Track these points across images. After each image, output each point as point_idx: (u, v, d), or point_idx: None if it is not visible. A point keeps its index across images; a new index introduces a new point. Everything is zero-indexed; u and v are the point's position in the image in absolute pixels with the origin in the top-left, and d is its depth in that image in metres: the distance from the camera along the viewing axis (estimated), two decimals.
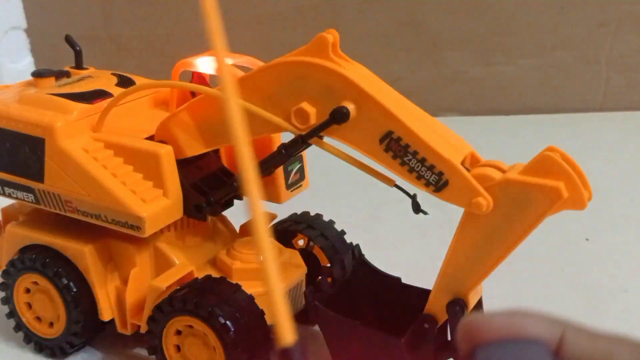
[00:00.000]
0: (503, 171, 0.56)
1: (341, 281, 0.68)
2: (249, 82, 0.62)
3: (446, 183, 0.56)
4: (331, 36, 0.59)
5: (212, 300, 0.63)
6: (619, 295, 0.83)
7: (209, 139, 0.66)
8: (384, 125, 0.57)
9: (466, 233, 0.57)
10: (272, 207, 0.74)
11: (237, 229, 0.77)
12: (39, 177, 0.68)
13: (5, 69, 1.22)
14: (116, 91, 0.71)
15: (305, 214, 0.79)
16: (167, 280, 0.66)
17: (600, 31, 1.37)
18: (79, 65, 0.78)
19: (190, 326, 0.64)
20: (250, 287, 0.66)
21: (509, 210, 0.55)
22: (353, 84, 0.58)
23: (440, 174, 0.56)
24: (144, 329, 0.67)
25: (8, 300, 0.74)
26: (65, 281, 0.69)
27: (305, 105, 0.59)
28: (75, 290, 0.69)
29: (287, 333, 0.23)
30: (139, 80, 0.77)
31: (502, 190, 0.54)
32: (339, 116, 0.57)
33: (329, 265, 0.74)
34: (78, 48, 0.79)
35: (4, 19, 1.19)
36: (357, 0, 1.35)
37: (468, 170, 0.57)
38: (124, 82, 0.75)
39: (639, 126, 1.36)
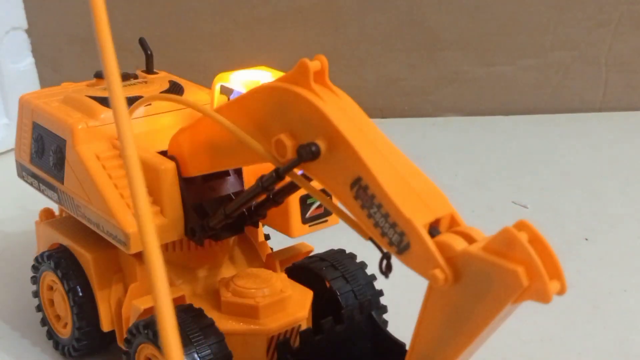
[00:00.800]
0: (473, 241, 0.48)
1: (335, 333, 0.63)
2: (242, 105, 0.57)
3: (407, 246, 0.49)
4: (317, 63, 0.53)
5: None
6: (619, 295, 0.83)
7: (209, 159, 0.62)
8: (354, 170, 0.51)
9: (430, 307, 0.50)
10: (311, 239, 0.71)
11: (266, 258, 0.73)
12: (61, 178, 0.69)
13: (6, 69, 1.22)
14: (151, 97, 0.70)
15: (337, 252, 0.73)
16: (149, 302, 0.63)
17: (600, 31, 1.37)
18: (148, 69, 0.79)
19: (155, 356, 0.61)
20: (234, 324, 0.63)
21: (470, 287, 0.47)
22: (327, 119, 0.51)
23: (402, 234, 0.49)
24: (120, 345, 0.66)
25: (37, 294, 0.75)
26: (71, 285, 0.69)
27: (283, 137, 0.54)
28: (80, 295, 0.69)
29: None
30: (190, 87, 0.75)
31: (463, 264, 0.47)
32: (305, 153, 0.52)
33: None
34: (149, 52, 0.79)
35: (4, 19, 1.19)
36: (357, 0, 1.35)
37: (436, 234, 0.49)
38: (176, 88, 0.74)
39: (639, 126, 1.36)
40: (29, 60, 1.26)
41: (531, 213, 1.03)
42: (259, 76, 0.66)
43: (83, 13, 1.38)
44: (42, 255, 0.72)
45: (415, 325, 0.51)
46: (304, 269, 0.71)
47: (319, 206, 0.68)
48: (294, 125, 0.53)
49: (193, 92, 0.74)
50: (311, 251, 0.74)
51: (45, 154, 0.71)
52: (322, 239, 0.74)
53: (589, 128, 1.35)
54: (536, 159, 1.22)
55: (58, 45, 1.38)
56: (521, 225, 0.48)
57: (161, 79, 0.77)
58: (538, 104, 1.41)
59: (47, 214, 0.78)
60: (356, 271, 0.70)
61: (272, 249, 0.74)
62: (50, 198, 0.72)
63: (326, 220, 0.68)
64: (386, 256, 0.52)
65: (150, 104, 0.69)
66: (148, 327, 0.60)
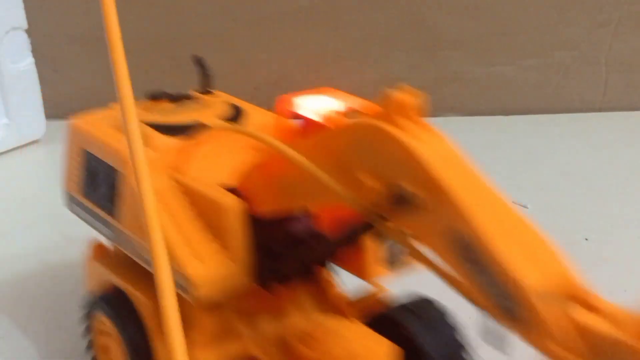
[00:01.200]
0: (598, 313, 0.41)
1: None
2: (322, 142, 0.51)
3: (517, 314, 0.41)
4: (408, 96, 0.47)
5: None
6: (619, 295, 0.83)
7: (281, 198, 0.55)
8: (456, 225, 0.43)
9: None
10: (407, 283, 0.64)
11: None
12: (113, 212, 0.62)
13: (6, 69, 1.22)
14: (214, 125, 0.63)
15: (425, 302, 0.64)
16: (213, 354, 0.58)
17: (600, 31, 1.37)
18: (203, 89, 0.72)
19: None
20: None
21: None
22: (423, 164, 0.44)
23: (511, 300, 0.41)
24: None
25: (86, 333, 0.70)
26: (130, 334, 0.62)
27: (371, 180, 0.47)
28: (139, 346, 0.62)
29: None
30: (252, 111, 0.69)
31: (589, 341, 0.39)
32: (401, 201, 0.45)
33: None
34: (207, 72, 0.72)
35: (4, 19, 1.19)
36: (357, 0, 1.35)
37: (552, 301, 0.42)
38: (237, 113, 0.68)
39: (639, 126, 1.36)
40: (29, 60, 1.26)
41: (531, 213, 1.03)
42: (326, 102, 0.59)
43: (83, 13, 1.38)
44: (95, 297, 0.66)
45: None
46: (388, 321, 0.62)
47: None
48: (385, 168, 0.46)
49: (256, 117, 0.67)
50: (389, 297, 0.66)
51: (98, 186, 0.64)
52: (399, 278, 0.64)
53: (589, 128, 1.35)
54: (536, 159, 1.22)
55: (58, 45, 1.38)
56: None
57: (219, 101, 0.70)
58: (538, 104, 1.41)
59: (99, 249, 0.71)
60: (446, 328, 0.62)
61: (345, 292, 0.66)
62: (105, 235, 0.65)
63: (406, 264, 0.61)
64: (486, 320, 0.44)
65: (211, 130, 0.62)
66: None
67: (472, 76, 1.40)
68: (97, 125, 0.66)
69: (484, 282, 0.42)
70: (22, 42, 1.24)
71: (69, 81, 1.41)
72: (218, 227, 0.56)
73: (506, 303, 0.41)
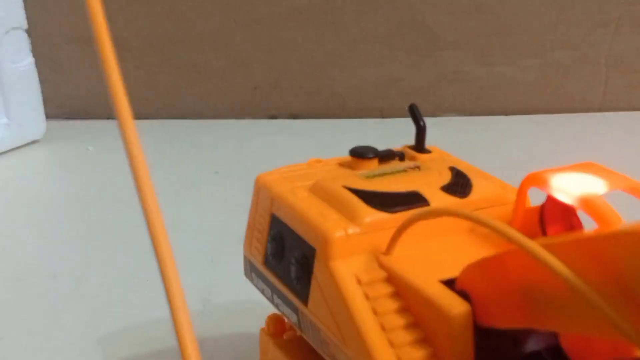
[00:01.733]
0: None
1: None
2: (593, 249, 0.36)
3: None
4: None
5: None
6: None
7: (523, 312, 0.41)
8: None
9: None
10: None
11: None
12: (304, 297, 0.51)
13: (6, 69, 1.22)
14: (438, 198, 0.51)
15: None
16: None
17: (600, 31, 1.37)
18: (419, 146, 0.61)
19: None
20: None
21: None
22: None
23: None
24: None
25: None
26: None
27: None
28: None
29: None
30: (479, 178, 0.57)
31: None
32: None
33: None
34: (422, 123, 0.60)
35: (4, 19, 1.19)
36: (357, 0, 1.35)
37: None
38: (460, 178, 0.56)
39: (639, 126, 1.36)
40: (29, 60, 1.26)
41: None
42: (593, 184, 0.46)
43: (83, 13, 1.38)
44: None
45: None
46: None
47: None
48: None
49: (484, 189, 0.54)
50: None
51: (286, 260, 0.53)
52: None
53: (589, 128, 1.35)
54: (536, 159, 1.22)
55: (58, 45, 1.38)
56: None
57: (438, 165, 0.58)
58: (538, 104, 1.41)
59: (275, 323, 0.61)
60: None
61: None
62: (288, 317, 0.54)
63: None
64: None
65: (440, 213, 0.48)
66: None
67: (472, 76, 1.40)
68: (290, 186, 0.55)
69: None
70: (22, 42, 1.24)
71: (69, 81, 1.41)
72: (435, 336, 0.45)
73: None
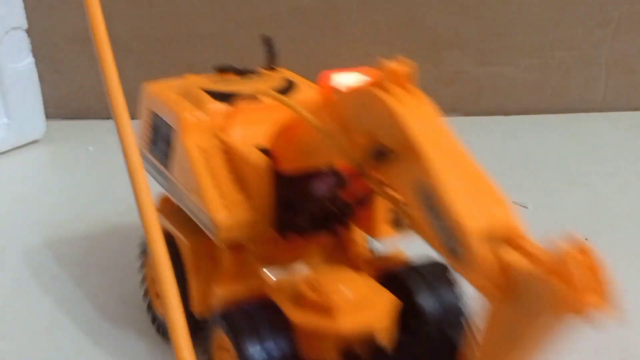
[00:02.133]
0: (529, 255, 0.47)
1: (410, 352, 0.61)
2: (332, 106, 0.59)
3: (460, 253, 0.48)
4: (401, 66, 0.54)
5: (244, 324, 0.61)
6: (619, 295, 0.83)
7: (301, 156, 0.63)
8: (421, 177, 0.51)
9: (487, 321, 0.48)
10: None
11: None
12: (169, 167, 0.71)
13: (6, 69, 1.22)
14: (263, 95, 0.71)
15: (434, 265, 0.69)
16: (230, 288, 0.66)
17: (600, 31, 1.37)
18: (268, 66, 0.79)
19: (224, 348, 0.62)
20: (308, 320, 0.61)
21: (523, 303, 0.46)
22: (400, 124, 0.52)
23: (456, 241, 0.48)
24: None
25: (141, 268, 0.79)
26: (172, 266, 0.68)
27: (362, 138, 0.54)
28: (176, 276, 0.67)
29: None
30: (303, 85, 0.76)
31: (516, 279, 0.45)
32: (376, 156, 0.53)
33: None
34: (274, 50, 0.79)
35: (4, 19, 1.19)
36: (357, 0, 1.35)
37: (494, 245, 0.48)
38: (292, 87, 0.75)
39: (639, 126, 1.36)
40: (29, 60, 1.26)
41: (531, 213, 1.03)
42: (360, 79, 0.65)
43: (83, 13, 1.38)
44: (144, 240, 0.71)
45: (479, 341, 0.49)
46: (396, 278, 0.68)
47: None
48: (373, 127, 0.54)
49: (304, 91, 0.74)
50: (405, 261, 0.71)
51: (159, 143, 0.73)
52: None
53: (589, 128, 1.35)
54: (536, 159, 1.22)
55: (58, 45, 1.38)
56: (581, 250, 0.46)
57: (277, 76, 0.77)
58: (538, 104, 1.41)
59: (165, 202, 0.79)
60: (448, 293, 0.67)
61: (366, 251, 0.72)
62: (162, 186, 0.73)
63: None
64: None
65: (258, 99, 0.70)
66: (221, 315, 0.63)
67: (472, 76, 1.40)
68: (164, 89, 0.76)
69: (437, 226, 0.49)
70: (22, 42, 1.24)
71: (69, 81, 1.41)
72: (246, 180, 0.65)
73: (451, 244, 0.48)
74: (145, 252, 0.78)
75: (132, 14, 1.36)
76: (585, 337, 0.77)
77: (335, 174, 0.66)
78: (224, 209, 0.63)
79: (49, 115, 1.31)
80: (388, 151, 0.52)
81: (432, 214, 0.50)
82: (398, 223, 0.67)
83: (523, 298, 0.45)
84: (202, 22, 1.37)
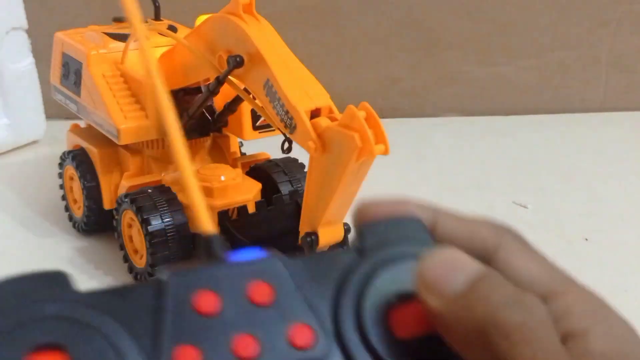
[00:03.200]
0: (337, 121, 0.67)
1: (266, 211, 0.82)
2: (199, 32, 0.78)
3: (295, 127, 0.69)
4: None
5: (147, 202, 0.80)
6: (619, 295, 0.83)
7: (179, 76, 0.83)
8: (264, 74, 0.71)
9: (310, 173, 0.70)
10: (270, 149, 0.93)
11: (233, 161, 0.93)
12: (79, 93, 0.92)
13: (6, 69, 1.22)
14: (154, 38, 0.91)
15: (290, 160, 0.90)
16: (134, 181, 0.87)
17: (600, 31, 1.37)
18: (156, 18, 0.97)
19: (133, 219, 0.83)
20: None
21: (332, 154, 0.66)
22: (248, 38, 0.72)
23: (291, 118, 0.69)
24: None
25: (62, 186, 1.00)
26: (83, 174, 0.92)
27: (222, 53, 0.75)
28: (88, 181, 0.92)
29: (206, 224, 0.28)
30: (182, 29, 0.96)
31: (327, 136, 0.66)
32: (232, 62, 0.72)
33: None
34: (157, 4, 0.96)
35: (4, 19, 1.19)
36: (357, 0, 1.35)
37: (314, 118, 0.68)
38: (172, 31, 0.93)
39: (639, 126, 1.36)
40: (29, 60, 1.26)
41: (531, 213, 1.03)
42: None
43: (83, 13, 1.38)
44: (65, 153, 0.97)
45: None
46: (261, 169, 0.90)
47: None
48: (230, 44, 0.74)
49: (183, 31, 0.93)
50: (268, 158, 0.93)
51: (70, 76, 0.94)
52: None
53: (589, 128, 1.35)
54: (536, 159, 1.22)
55: None
56: (361, 106, 0.65)
57: (160, 25, 0.96)
58: (538, 104, 1.41)
59: (74, 126, 1.01)
60: (301, 176, 0.88)
61: (236, 153, 0.96)
62: (72, 109, 0.95)
63: (273, 130, 0.85)
64: (288, 139, 0.75)
65: (147, 39, 0.86)
66: (128, 197, 0.82)
67: (472, 76, 1.40)
68: (73, 35, 0.97)
69: (278, 109, 0.70)
70: (22, 42, 1.24)
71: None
72: (139, 97, 0.87)
73: (288, 121, 0.69)
74: (62, 164, 0.99)
75: None
76: None
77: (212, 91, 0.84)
78: (124, 119, 0.85)
79: (49, 115, 1.30)
80: (241, 60, 0.72)
81: (275, 101, 0.70)
82: (260, 127, 0.90)
83: (334, 150, 0.66)
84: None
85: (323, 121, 0.68)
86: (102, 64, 0.90)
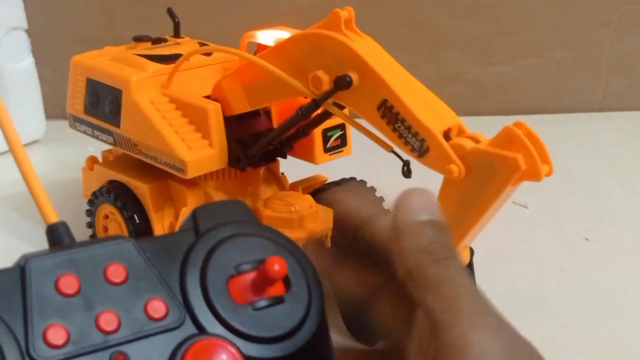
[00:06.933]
0: (478, 142, 0.62)
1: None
2: (279, 52, 0.71)
3: (427, 150, 0.63)
4: (346, 12, 0.67)
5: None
6: (619, 295, 0.83)
7: (250, 99, 0.75)
8: (381, 94, 0.64)
9: (445, 197, 0.63)
10: (322, 170, 0.88)
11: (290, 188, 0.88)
12: (117, 123, 0.82)
13: (6, 69, 1.22)
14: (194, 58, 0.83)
15: (349, 180, 0.86)
16: None
17: (600, 31, 1.37)
18: (176, 34, 0.92)
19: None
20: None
21: (478, 177, 0.61)
22: (357, 56, 0.65)
23: (422, 141, 0.63)
24: None
25: (91, 225, 0.90)
26: (130, 213, 0.82)
27: (319, 73, 0.67)
28: (137, 222, 0.82)
29: (50, 212, 0.33)
30: (212, 46, 0.86)
31: (472, 159, 0.61)
32: (342, 83, 0.65)
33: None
34: (177, 20, 0.92)
35: (4, 19, 1.19)
36: (357, 0, 1.35)
37: (450, 140, 0.63)
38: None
39: (639, 126, 1.36)
40: (29, 60, 1.26)
41: (531, 213, 1.03)
42: (282, 33, 0.80)
43: (83, 13, 1.38)
44: (100, 191, 0.86)
45: None
46: (322, 192, 0.84)
47: (337, 138, 0.83)
48: (328, 63, 0.67)
49: (218, 49, 0.85)
50: (326, 180, 0.88)
51: (100, 104, 0.83)
52: (335, 169, 0.88)
53: (589, 128, 1.35)
54: None
55: (58, 45, 1.38)
56: (518, 124, 0.60)
57: (191, 41, 0.91)
58: (538, 104, 1.41)
59: (93, 160, 0.92)
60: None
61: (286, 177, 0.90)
62: (105, 141, 0.85)
63: (342, 150, 0.84)
64: (406, 163, 0.68)
65: (188, 60, 0.80)
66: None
67: (472, 76, 1.40)
68: (97, 59, 0.86)
69: (402, 131, 0.64)
70: (22, 42, 1.24)
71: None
72: (200, 124, 0.77)
73: (416, 143, 0.63)
74: (94, 202, 0.88)
75: (133, 14, 1.36)
76: (585, 337, 0.77)
77: (267, 113, 0.81)
78: (189, 150, 0.75)
79: (49, 115, 1.30)
80: (350, 79, 0.65)
81: (396, 122, 0.64)
82: (330, 149, 0.83)
83: (480, 173, 0.61)
84: (203, 22, 1.37)
85: (465, 142, 0.62)
86: (147, 89, 0.80)
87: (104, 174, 0.88)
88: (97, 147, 0.94)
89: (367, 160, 0.97)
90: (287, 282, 0.33)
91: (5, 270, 0.30)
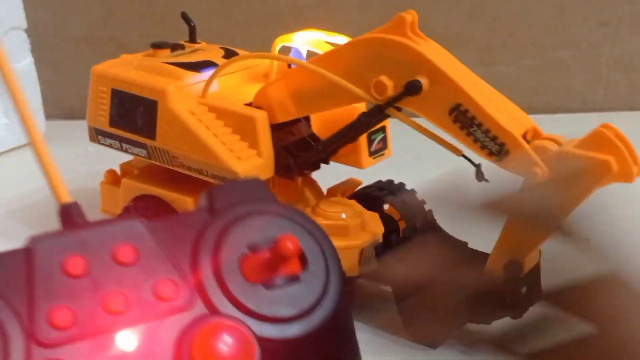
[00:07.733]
0: (560, 144, 0.63)
1: (411, 241, 0.76)
2: (335, 57, 0.69)
3: (507, 153, 0.62)
4: (410, 16, 0.66)
5: None
6: None
7: (299, 106, 0.73)
8: (453, 99, 0.63)
9: (534, 195, 0.62)
10: (358, 173, 0.85)
11: (325, 192, 0.86)
12: (152, 135, 0.78)
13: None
14: (222, 62, 0.79)
15: (390, 182, 0.83)
16: None
17: (600, 31, 1.37)
18: (192, 39, 0.90)
19: None
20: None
21: (563, 180, 0.61)
22: (427, 60, 0.64)
23: (502, 144, 0.62)
24: None
25: None
26: None
27: (383, 78, 0.66)
28: None
29: (63, 192, 0.31)
30: (242, 52, 0.85)
31: (558, 162, 0.60)
32: (412, 88, 0.64)
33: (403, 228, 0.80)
34: (193, 24, 0.90)
35: (4, 19, 1.19)
36: (357, 0, 1.35)
37: (528, 142, 0.62)
38: (230, 54, 0.85)
39: (639, 126, 1.36)
40: (29, 60, 1.26)
41: None
42: (318, 35, 0.78)
43: (83, 13, 1.38)
44: (133, 206, 0.81)
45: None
46: (366, 197, 0.81)
47: (379, 141, 0.82)
48: (393, 68, 0.65)
49: (246, 54, 0.83)
50: (361, 183, 0.86)
51: (130, 116, 0.79)
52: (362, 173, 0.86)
53: (589, 128, 1.34)
54: None
55: (58, 45, 1.38)
56: (606, 126, 0.62)
57: (211, 47, 0.88)
58: (538, 104, 1.41)
59: (113, 174, 0.89)
60: (409, 196, 0.80)
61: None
62: (137, 154, 0.80)
63: (383, 153, 0.82)
64: (478, 167, 0.66)
65: (229, 66, 0.78)
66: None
67: None
68: (120, 69, 0.81)
69: (478, 135, 0.63)
70: (22, 42, 1.24)
71: (69, 81, 1.41)
72: (248, 134, 0.74)
73: (494, 147, 0.63)
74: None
75: (133, 14, 1.36)
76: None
77: (306, 119, 0.79)
78: (237, 160, 0.73)
79: (49, 115, 1.31)
80: (420, 84, 0.63)
81: (471, 127, 0.63)
82: (374, 153, 0.81)
83: (563, 176, 0.60)
84: (203, 22, 1.37)
85: (548, 144, 0.63)
86: (185, 99, 0.76)
87: (135, 188, 0.82)
88: (97, 148, 0.94)
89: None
90: (303, 260, 0.32)
91: (12, 252, 0.30)
